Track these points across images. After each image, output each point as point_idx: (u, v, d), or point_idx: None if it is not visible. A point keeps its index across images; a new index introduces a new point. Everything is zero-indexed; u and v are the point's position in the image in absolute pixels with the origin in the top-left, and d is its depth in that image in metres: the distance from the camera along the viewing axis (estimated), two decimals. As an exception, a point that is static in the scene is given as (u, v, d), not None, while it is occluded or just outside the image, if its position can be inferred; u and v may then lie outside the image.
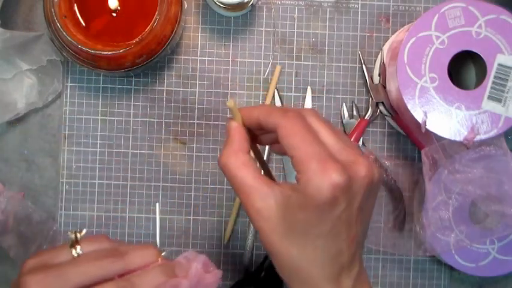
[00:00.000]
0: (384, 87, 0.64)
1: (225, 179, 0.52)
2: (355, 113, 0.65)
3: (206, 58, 0.66)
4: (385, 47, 0.65)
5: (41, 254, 0.45)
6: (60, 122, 0.65)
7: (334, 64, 0.66)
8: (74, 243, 0.44)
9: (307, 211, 0.41)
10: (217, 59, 0.66)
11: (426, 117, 0.57)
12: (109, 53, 0.55)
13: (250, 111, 0.45)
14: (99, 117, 0.65)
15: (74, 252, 0.44)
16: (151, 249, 0.45)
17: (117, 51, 0.55)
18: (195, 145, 0.66)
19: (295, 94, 0.66)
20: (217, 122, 0.66)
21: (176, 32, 0.58)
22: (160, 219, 0.65)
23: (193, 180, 0.66)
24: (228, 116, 0.66)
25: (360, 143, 0.65)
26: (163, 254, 0.46)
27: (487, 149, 0.60)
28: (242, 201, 0.43)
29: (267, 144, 0.48)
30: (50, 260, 0.44)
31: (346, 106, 0.66)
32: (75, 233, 0.45)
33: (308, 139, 0.42)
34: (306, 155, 0.41)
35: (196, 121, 0.66)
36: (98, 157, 0.65)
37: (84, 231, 0.45)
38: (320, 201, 0.40)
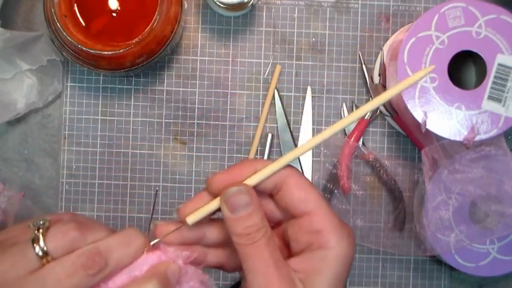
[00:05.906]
0: (384, 87, 0.64)
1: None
2: (355, 113, 0.65)
3: (206, 58, 0.66)
4: (385, 47, 0.65)
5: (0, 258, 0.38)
6: (60, 122, 0.65)
7: (334, 64, 0.66)
8: (37, 238, 0.38)
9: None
10: (217, 59, 0.66)
11: (426, 117, 0.57)
12: (109, 53, 0.55)
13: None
14: (99, 117, 0.65)
15: (37, 249, 0.37)
16: (138, 241, 0.39)
17: (117, 51, 0.55)
18: (195, 145, 0.66)
19: (295, 94, 0.66)
20: (217, 122, 0.66)
21: (176, 32, 0.58)
22: (161, 219, 0.65)
23: (193, 180, 0.66)
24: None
25: (360, 143, 0.65)
26: (152, 243, 0.40)
27: (487, 149, 0.60)
28: None
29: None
30: (11, 269, 0.37)
31: (346, 106, 0.66)
32: (38, 227, 0.38)
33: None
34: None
35: (196, 121, 0.66)
36: (98, 157, 0.65)
37: (47, 219, 0.39)
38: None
